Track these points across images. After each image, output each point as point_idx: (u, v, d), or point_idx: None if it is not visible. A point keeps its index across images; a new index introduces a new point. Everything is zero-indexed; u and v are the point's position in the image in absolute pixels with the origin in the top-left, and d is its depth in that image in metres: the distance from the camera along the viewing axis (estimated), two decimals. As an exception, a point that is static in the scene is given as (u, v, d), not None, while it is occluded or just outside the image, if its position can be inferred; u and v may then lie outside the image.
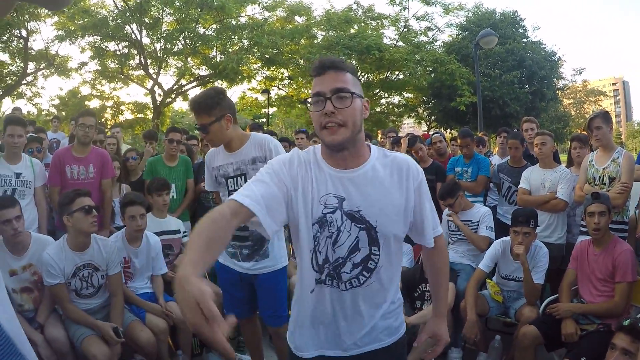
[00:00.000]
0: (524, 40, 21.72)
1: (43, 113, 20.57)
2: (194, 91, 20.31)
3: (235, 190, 2.53)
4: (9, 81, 18.02)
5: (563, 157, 5.38)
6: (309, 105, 1.46)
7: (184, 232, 3.93)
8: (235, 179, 2.68)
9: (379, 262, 1.50)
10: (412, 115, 23.35)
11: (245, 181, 2.60)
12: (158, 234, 3.62)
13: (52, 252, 2.94)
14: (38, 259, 2.98)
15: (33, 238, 3.09)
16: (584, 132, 4.17)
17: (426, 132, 16.30)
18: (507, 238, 3.58)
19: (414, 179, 1.52)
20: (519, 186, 4.26)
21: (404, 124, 30.26)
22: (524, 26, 22.74)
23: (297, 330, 1.61)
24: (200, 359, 3.59)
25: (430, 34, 20.47)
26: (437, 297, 1.76)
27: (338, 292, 1.51)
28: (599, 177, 3.68)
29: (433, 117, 22.73)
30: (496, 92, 19.63)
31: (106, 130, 7.87)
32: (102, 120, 18.53)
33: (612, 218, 3.29)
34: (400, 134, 7.10)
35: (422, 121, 23.91)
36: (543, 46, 22.22)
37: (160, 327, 3.16)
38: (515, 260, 3.48)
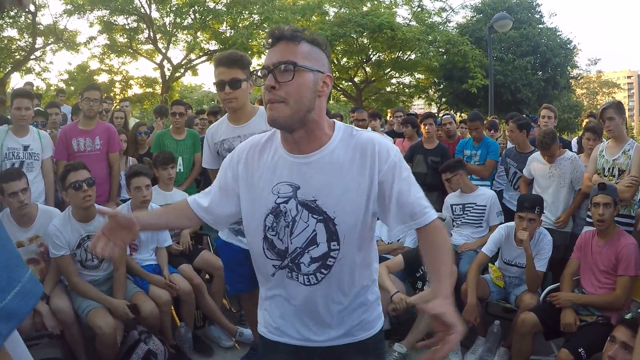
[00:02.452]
0: (540, 26, 21.31)
1: (52, 88, 20.59)
2: (203, 66, 20.24)
3: None
4: (18, 56, 17.99)
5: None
6: (252, 81, 1.38)
7: (189, 206, 3.94)
8: None
9: (338, 256, 1.36)
10: (423, 96, 23.12)
11: None
12: (163, 206, 3.64)
13: (58, 223, 2.98)
14: (44, 230, 3.02)
15: (40, 210, 3.13)
16: (592, 120, 4.11)
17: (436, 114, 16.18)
18: (512, 223, 3.56)
19: (381, 162, 1.32)
20: (522, 174, 4.25)
21: (414, 104, 30.01)
22: (540, 12, 22.28)
23: (262, 312, 1.54)
24: (203, 331, 3.64)
25: (444, 14, 20.09)
26: (441, 274, 1.31)
27: (297, 285, 1.41)
28: (609, 169, 3.63)
29: (444, 99, 22.48)
30: (508, 76, 19.34)
31: (115, 104, 7.90)
32: (111, 94, 18.53)
33: (619, 211, 3.26)
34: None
35: (433, 102, 23.71)
36: (559, 33, 21.77)
37: (164, 299, 3.20)
38: (518, 246, 3.48)
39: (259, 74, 1.31)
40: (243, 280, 2.87)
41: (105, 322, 2.83)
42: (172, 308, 3.34)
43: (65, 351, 2.82)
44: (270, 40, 1.32)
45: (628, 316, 2.39)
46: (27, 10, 16.34)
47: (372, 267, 1.49)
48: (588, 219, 3.68)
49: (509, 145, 5.34)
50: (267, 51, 1.34)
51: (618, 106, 3.69)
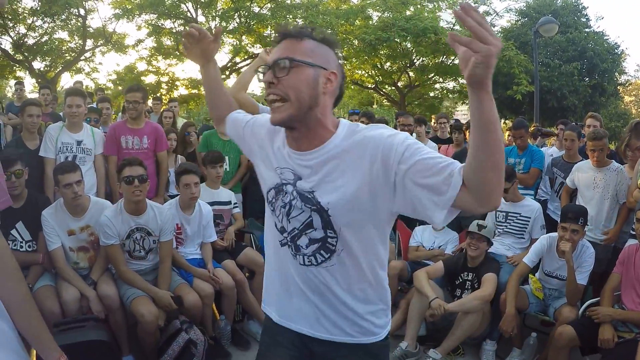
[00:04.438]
0: (586, 30, 20.60)
1: (101, 87, 21.42)
2: (247, 69, 20.48)
3: None
4: (68, 57, 18.79)
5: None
6: (258, 77, 1.34)
7: (234, 204, 4.10)
8: None
9: (338, 245, 1.32)
10: (467, 102, 22.72)
11: None
12: (210, 203, 3.77)
13: (110, 214, 3.14)
14: (96, 221, 3.17)
15: (92, 201, 3.28)
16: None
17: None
18: (555, 234, 3.48)
19: (391, 154, 1.19)
20: (566, 183, 4.14)
21: (458, 110, 29.54)
22: (586, 15, 21.54)
23: (265, 293, 1.55)
24: (242, 325, 3.75)
25: (488, 18, 19.74)
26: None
27: (298, 266, 1.39)
28: None
29: (487, 106, 22.04)
30: (554, 83, 18.78)
31: (163, 105, 8.18)
32: (158, 95, 19.12)
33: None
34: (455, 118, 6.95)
35: (476, 109, 23.27)
36: (606, 37, 20.97)
37: (207, 292, 3.30)
38: (560, 258, 3.40)
39: (260, 72, 1.31)
40: None
41: (147, 310, 2.94)
42: (214, 301, 3.44)
43: (109, 335, 2.95)
44: (275, 39, 1.31)
45: None
46: (77, 14, 17.16)
47: (379, 271, 1.39)
48: (632, 232, 3.57)
49: (556, 151, 5.21)
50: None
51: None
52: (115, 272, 3.25)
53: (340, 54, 1.35)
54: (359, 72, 20.78)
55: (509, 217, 4.03)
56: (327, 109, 1.31)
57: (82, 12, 17.52)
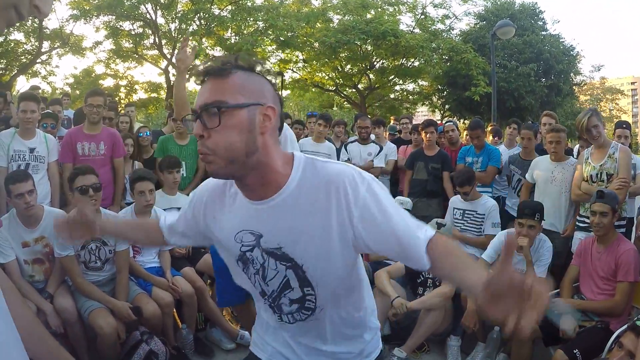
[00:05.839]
0: (543, 33, 21.43)
1: (57, 91, 20.78)
2: (208, 72, 20.27)
3: None
4: (24, 60, 18.20)
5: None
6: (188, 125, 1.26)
7: (192, 210, 3.99)
8: None
9: (317, 302, 1.26)
10: (426, 103, 23.22)
11: None
12: (167, 210, 3.69)
13: (64, 224, 3.02)
14: (50, 231, 3.06)
15: (46, 211, 3.16)
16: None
17: (439, 121, 16.22)
18: (512, 230, 3.59)
19: (350, 196, 1.13)
20: (525, 179, 4.27)
21: (418, 111, 30.07)
22: (543, 19, 22.43)
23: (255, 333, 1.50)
24: (204, 333, 3.68)
25: (447, 22, 20.24)
26: (473, 268, 1.11)
27: (283, 324, 1.35)
28: (597, 174, 3.65)
29: (447, 106, 22.57)
30: (512, 83, 19.41)
31: (120, 109, 7.95)
32: (116, 99, 18.65)
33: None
34: (415, 122, 7.06)
35: (436, 110, 23.77)
36: (562, 40, 21.90)
37: (166, 301, 3.23)
38: (518, 253, 3.49)
39: (188, 119, 1.18)
40: (233, 292, 2.86)
41: (106, 322, 2.86)
42: (174, 310, 3.37)
43: (68, 350, 2.83)
44: (198, 76, 1.12)
45: None
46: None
47: (365, 312, 1.38)
48: (579, 224, 3.73)
49: (505, 149, 5.37)
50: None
51: (597, 112, 3.74)
52: (72, 284, 3.13)
53: (274, 80, 1.18)
54: (320, 74, 20.90)
55: (465, 215, 4.13)
56: (270, 149, 1.13)
57: (38, 12, 16.92)
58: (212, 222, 1.29)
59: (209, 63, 1.11)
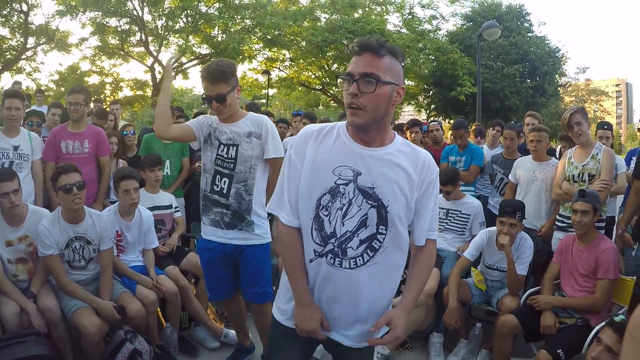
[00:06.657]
0: (529, 34, 21.67)
1: (42, 88, 20.48)
2: (194, 69, 20.21)
3: (222, 157, 2.67)
4: (9, 56, 17.97)
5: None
6: (339, 81, 1.52)
7: (175, 208, 4.01)
8: (227, 147, 2.71)
9: (384, 242, 1.53)
10: (412, 102, 23.33)
11: (237, 152, 2.67)
12: (150, 209, 3.68)
13: (47, 223, 3.00)
14: (34, 230, 3.03)
15: (30, 210, 3.14)
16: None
17: (425, 120, 16.32)
18: (494, 228, 3.64)
19: (429, 174, 1.57)
20: (508, 179, 4.33)
21: (404, 111, 30.26)
22: (529, 20, 22.67)
23: (291, 302, 1.65)
24: (189, 332, 3.68)
25: (434, 22, 20.39)
26: (410, 290, 1.67)
27: (336, 270, 1.54)
28: (579, 174, 3.69)
29: (433, 106, 22.70)
30: (497, 84, 19.59)
31: (105, 106, 7.88)
32: (101, 97, 18.45)
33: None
34: (400, 122, 7.11)
35: (422, 109, 23.90)
36: (547, 42, 22.14)
37: (150, 299, 3.22)
38: (499, 251, 3.55)
39: (343, 78, 1.48)
40: (224, 285, 2.90)
41: (90, 321, 2.85)
42: (159, 309, 3.36)
43: (52, 349, 2.83)
44: (357, 48, 1.46)
45: (618, 319, 2.29)
46: (19, 9, 16.30)
47: (399, 274, 1.69)
48: (558, 223, 3.79)
49: (487, 150, 5.44)
50: (353, 56, 1.48)
51: (583, 111, 3.75)
52: (55, 283, 3.12)
53: (403, 64, 1.53)
54: (306, 73, 20.90)
55: (449, 214, 4.17)
56: (391, 116, 1.56)
57: (24, 7, 16.67)
58: (310, 156, 1.56)
59: (367, 40, 1.45)
